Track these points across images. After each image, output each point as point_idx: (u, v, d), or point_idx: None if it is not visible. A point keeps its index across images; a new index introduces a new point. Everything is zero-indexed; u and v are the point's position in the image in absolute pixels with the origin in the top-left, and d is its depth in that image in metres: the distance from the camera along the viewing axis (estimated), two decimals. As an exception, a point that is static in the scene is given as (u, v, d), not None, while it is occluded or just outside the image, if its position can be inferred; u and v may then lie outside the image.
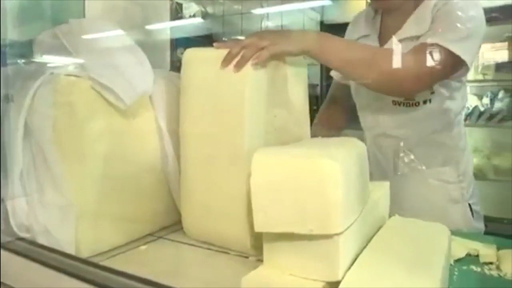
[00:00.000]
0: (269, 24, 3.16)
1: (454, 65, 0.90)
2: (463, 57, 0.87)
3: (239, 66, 0.71)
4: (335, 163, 0.51)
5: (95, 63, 0.73)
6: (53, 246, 0.73)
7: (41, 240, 0.73)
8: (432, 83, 0.95)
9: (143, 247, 0.85)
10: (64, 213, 0.74)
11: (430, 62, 0.86)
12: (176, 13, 3.08)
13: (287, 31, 0.81)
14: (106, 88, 0.72)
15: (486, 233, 2.25)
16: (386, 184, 0.82)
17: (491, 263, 0.73)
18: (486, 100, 2.60)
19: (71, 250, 0.73)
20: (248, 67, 0.71)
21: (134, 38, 0.87)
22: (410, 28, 0.97)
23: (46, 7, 0.97)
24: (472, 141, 2.63)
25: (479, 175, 2.43)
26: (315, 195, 0.51)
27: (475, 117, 2.47)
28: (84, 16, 1.00)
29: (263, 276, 0.55)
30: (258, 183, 0.53)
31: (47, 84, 0.72)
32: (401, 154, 1.03)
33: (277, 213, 0.53)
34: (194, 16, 3.04)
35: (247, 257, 0.77)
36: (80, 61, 0.74)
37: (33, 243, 0.70)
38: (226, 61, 0.72)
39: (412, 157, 1.03)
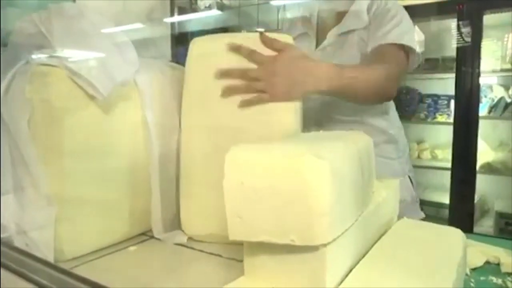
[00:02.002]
0: (287, 15, 3.09)
1: (408, 58, 1.03)
2: (415, 47, 1.01)
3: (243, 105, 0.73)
4: (323, 162, 0.43)
5: (72, 51, 0.68)
6: (31, 248, 0.68)
7: (18, 241, 0.69)
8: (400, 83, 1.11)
9: (132, 248, 0.81)
10: (43, 213, 0.69)
11: (399, 66, 0.99)
12: (191, 4, 3.05)
13: (302, 67, 0.76)
14: (82, 78, 0.66)
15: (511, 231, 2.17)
16: (395, 182, 0.75)
17: (514, 273, 0.64)
18: (513, 91, 2.45)
19: (49, 253, 0.69)
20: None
21: (133, 29, 0.82)
22: (349, 22, 1.09)
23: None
24: (497, 134, 2.49)
25: (504, 170, 2.30)
26: (297, 200, 0.43)
27: (501, 109, 2.32)
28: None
29: (242, 289, 0.49)
30: (232, 185, 0.46)
31: (22, 74, 0.67)
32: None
33: (254, 220, 0.45)
34: (209, 7, 2.99)
35: (240, 261, 0.71)
36: (58, 49, 0.69)
37: (6, 245, 0.66)
38: (225, 93, 0.74)
39: None
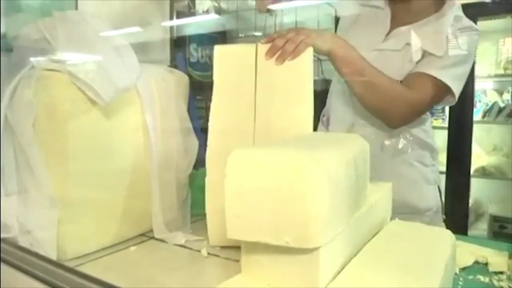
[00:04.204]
0: (284, 19, 3.12)
1: (444, 96, 1.01)
2: (458, 94, 0.98)
3: (281, 59, 0.78)
4: (318, 168, 0.45)
5: (75, 57, 0.70)
6: (34, 247, 0.70)
7: (22, 241, 0.71)
8: (421, 115, 1.07)
9: (132, 248, 0.83)
10: (46, 214, 0.71)
11: (425, 99, 0.98)
12: (189, 8, 3.07)
13: (320, 30, 0.88)
14: (84, 84, 0.69)
15: (506, 234, 2.19)
16: (388, 185, 0.77)
17: (501, 272, 0.67)
18: (507, 96, 2.48)
19: (52, 252, 0.71)
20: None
21: (132, 35, 0.84)
22: (423, 38, 1.00)
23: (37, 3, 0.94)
24: (491, 139, 2.52)
25: (498, 174, 2.33)
26: (293, 204, 0.46)
27: (494, 113, 2.36)
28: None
29: (239, 286, 0.51)
30: (232, 186, 0.48)
31: (27, 79, 0.70)
32: (387, 142, 1.08)
33: (251, 221, 0.47)
34: (207, 11, 3.01)
35: (237, 261, 0.73)
36: (62, 54, 0.71)
37: (12, 244, 0.68)
38: (270, 52, 0.79)
39: (400, 146, 1.09)
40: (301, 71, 0.78)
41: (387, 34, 1.07)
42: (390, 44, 1.05)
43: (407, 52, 1.01)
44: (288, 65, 0.78)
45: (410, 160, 1.10)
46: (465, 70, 0.99)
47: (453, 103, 1.02)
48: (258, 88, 0.78)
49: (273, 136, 0.76)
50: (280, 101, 0.78)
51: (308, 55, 0.79)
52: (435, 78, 0.95)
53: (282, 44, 0.79)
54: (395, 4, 1.08)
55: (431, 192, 1.14)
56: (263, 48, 0.80)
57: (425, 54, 0.99)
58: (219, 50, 0.81)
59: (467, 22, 1.01)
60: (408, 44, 1.01)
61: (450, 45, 0.97)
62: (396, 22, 1.07)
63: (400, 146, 1.08)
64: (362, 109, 1.05)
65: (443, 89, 0.97)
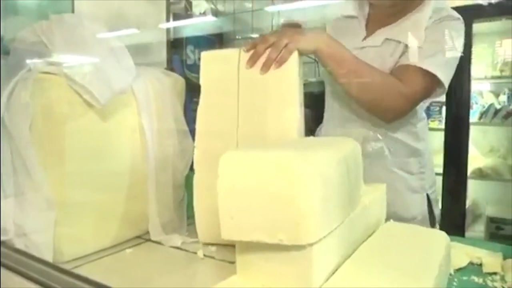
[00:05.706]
0: (281, 21, 3.11)
1: (434, 87, 0.98)
2: (446, 83, 0.95)
3: (265, 68, 0.77)
4: (309, 167, 0.46)
5: (71, 60, 0.71)
6: (30, 250, 0.70)
7: (18, 243, 0.71)
8: (413, 108, 1.03)
9: (128, 250, 0.83)
10: (43, 216, 0.72)
11: (416, 90, 0.95)
12: (186, 10, 3.08)
13: (304, 30, 0.86)
14: (81, 86, 0.69)
15: (502, 236, 2.19)
16: (382, 186, 0.77)
17: (495, 273, 0.67)
18: (503, 98, 2.49)
19: (49, 254, 0.71)
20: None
21: (128, 37, 0.85)
22: (402, 33, 0.99)
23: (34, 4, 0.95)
24: (487, 140, 2.53)
25: (494, 175, 2.34)
26: (285, 202, 0.46)
27: (491, 115, 2.37)
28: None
29: (233, 286, 0.51)
30: (225, 187, 0.49)
31: (23, 82, 0.70)
32: (371, 142, 1.06)
33: (245, 220, 0.48)
34: (204, 13, 3.02)
35: (233, 263, 0.74)
36: (58, 57, 0.71)
37: (8, 247, 0.68)
38: (251, 61, 0.78)
39: (380, 145, 1.06)
40: (286, 76, 0.78)
41: (364, 39, 1.06)
42: (369, 41, 1.04)
43: (387, 46, 1.01)
44: (273, 70, 0.78)
45: (391, 167, 1.07)
46: (450, 58, 0.96)
47: (443, 94, 1.01)
48: (243, 93, 0.79)
49: (257, 140, 0.77)
50: (265, 106, 0.78)
51: (293, 59, 0.78)
52: (420, 68, 0.93)
53: (264, 50, 0.77)
54: (374, 10, 1.08)
55: (417, 201, 1.09)
56: (246, 54, 0.80)
57: (405, 48, 0.98)
58: (205, 56, 0.83)
59: (447, 12, 0.99)
60: (387, 39, 1.01)
61: (430, 36, 0.96)
62: (373, 27, 1.06)
63: (378, 149, 1.06)
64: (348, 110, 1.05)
65: (431, 79, 0.95)
